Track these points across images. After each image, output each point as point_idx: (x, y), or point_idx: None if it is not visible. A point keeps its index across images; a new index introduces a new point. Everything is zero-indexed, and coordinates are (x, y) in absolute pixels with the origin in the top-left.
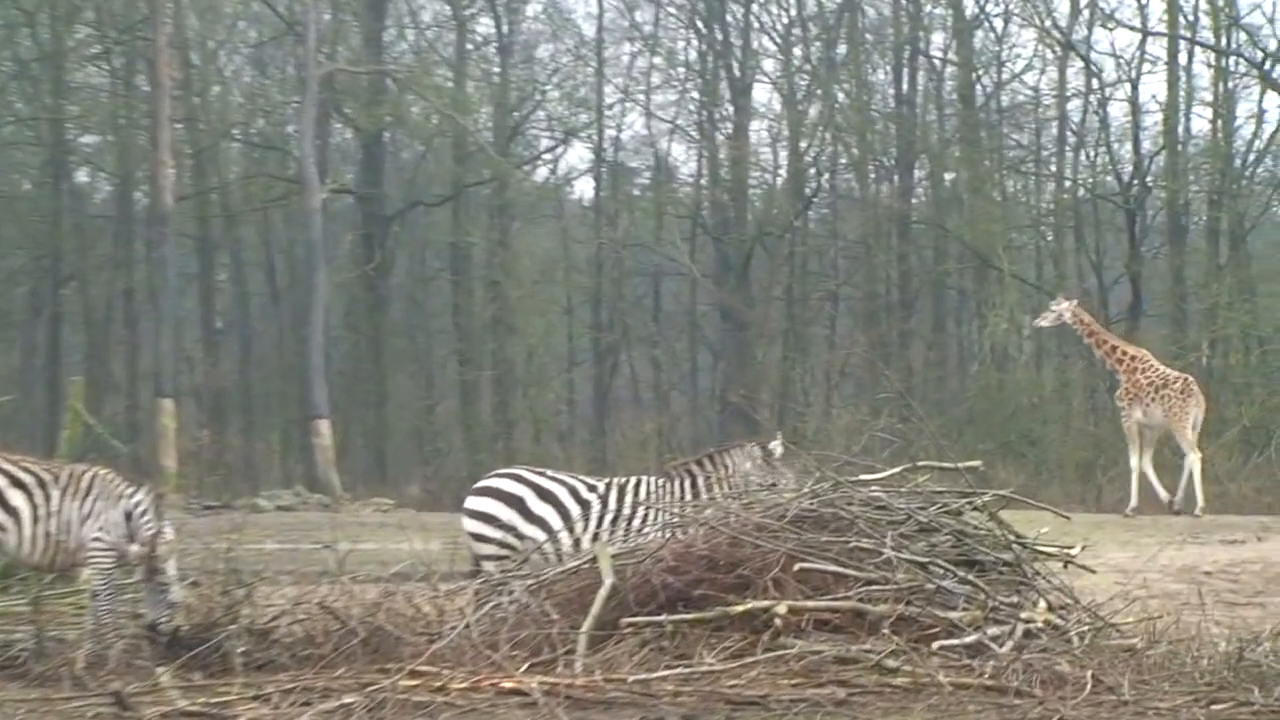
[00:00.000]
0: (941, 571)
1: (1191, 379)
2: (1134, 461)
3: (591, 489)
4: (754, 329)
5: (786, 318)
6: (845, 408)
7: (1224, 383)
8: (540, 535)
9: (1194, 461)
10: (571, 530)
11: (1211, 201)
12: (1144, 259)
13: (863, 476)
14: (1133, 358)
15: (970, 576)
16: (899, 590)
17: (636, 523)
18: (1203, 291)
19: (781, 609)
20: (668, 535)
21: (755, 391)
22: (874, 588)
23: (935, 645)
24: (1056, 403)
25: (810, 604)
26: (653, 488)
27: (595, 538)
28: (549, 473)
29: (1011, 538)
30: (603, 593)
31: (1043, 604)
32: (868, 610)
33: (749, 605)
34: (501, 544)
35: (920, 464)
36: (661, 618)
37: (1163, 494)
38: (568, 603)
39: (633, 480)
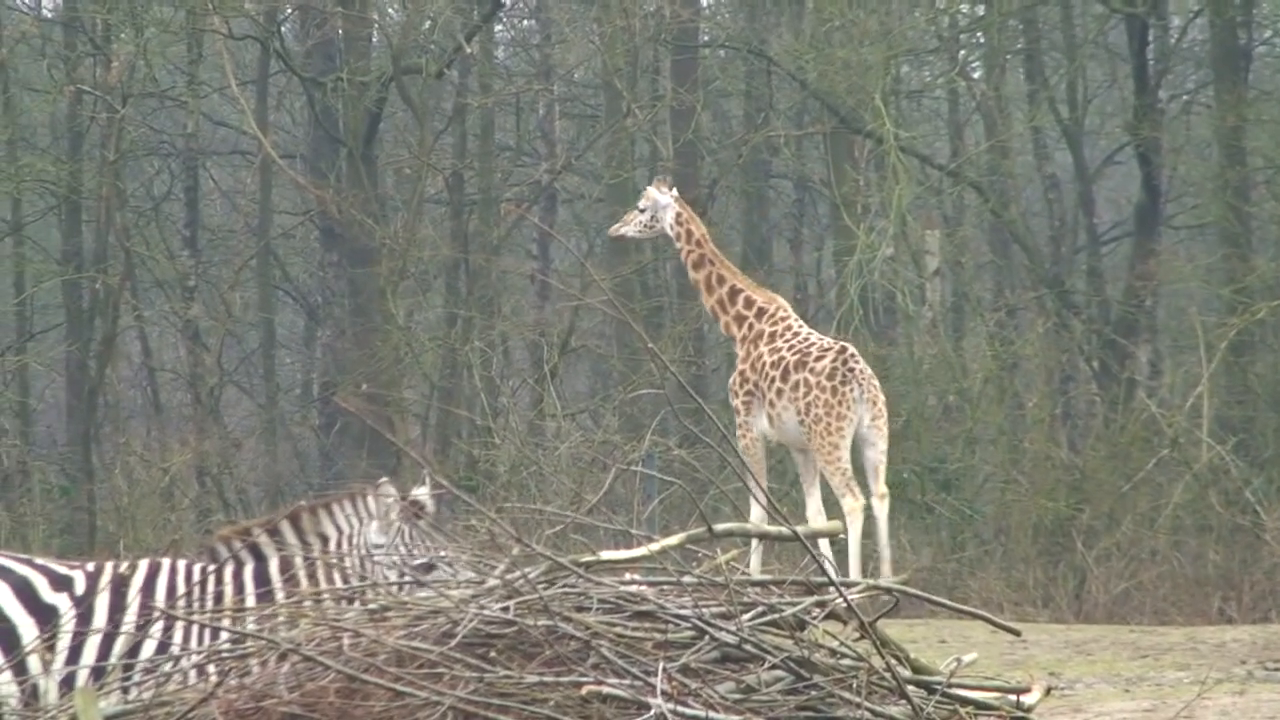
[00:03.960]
0: None
1: (853, 352)
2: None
3: (63, 584)
4: (384, 261)
5: (453, 237)
6: (573, 417)
7: None
8: None
9: (855, 512)
10: (23, 666)
11: None
12: (1164, 117)
13: (607, 555)
14: (760, 311)
15: None
16: None
17: (153, 649)
18: None
19: None
20: (219, 673)
21: (390, 387)
22: None
23: None
24: (995, 402)
25: None
26: (187, 579)
27: (72, 680)
28: None
29: (907, 674)
30: None
31: None
32: None
33: None
34: None
35: (722, 529)
36: None
37: (855, 570)
38: None
39: (146, 566)
